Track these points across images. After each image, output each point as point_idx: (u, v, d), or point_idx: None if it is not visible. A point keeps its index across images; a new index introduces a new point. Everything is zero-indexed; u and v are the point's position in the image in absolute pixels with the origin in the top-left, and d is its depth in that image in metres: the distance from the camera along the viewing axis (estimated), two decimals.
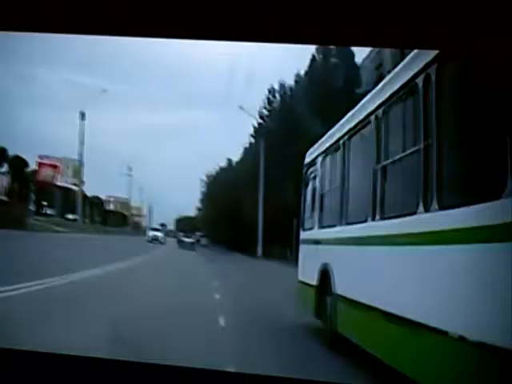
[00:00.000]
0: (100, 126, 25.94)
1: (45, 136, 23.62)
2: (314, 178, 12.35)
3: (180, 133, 28.73)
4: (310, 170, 12.77)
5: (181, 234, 32.44)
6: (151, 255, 25.97)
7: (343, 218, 9.69)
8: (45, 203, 31.18)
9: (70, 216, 31.51)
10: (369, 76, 22.69)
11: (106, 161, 27.03)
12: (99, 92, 22.99)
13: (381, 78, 21.29)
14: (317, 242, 11.29)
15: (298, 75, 25.19)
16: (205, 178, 31.90)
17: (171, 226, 35.76)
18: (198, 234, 31.96)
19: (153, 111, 25.78)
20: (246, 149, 28.02)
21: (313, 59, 24.66)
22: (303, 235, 12.69)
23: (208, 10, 5.28)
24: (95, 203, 34.56)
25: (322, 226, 11.26)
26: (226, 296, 14.23)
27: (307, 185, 12.96)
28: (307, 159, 13.04)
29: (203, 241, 31.60)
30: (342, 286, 9.36)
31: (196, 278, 18.62)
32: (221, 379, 6.37)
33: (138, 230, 36.13)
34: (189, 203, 33.98)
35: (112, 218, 36.15)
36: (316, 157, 12.20)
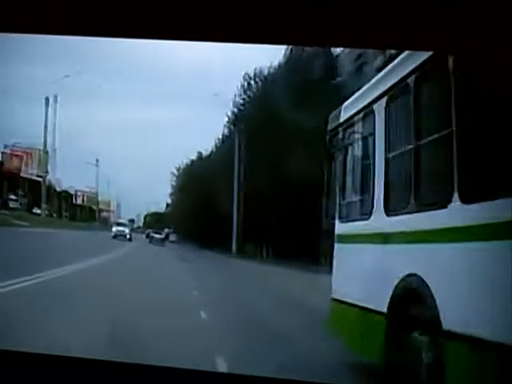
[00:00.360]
0: (68, 118, 24.80)
1: (10, 125, 22.16)
2: (365, 140, 8.53)
3: (149, 128, 26.67)
4: (346, 133, 9.37)
5: (150, 230, 30.76)
6: (119, 253, 24.04)
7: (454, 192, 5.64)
8: (12, 196, 29.16)
9: (37, 210, 29.68)
10: (347, 65, 21.41)
11: (74, 154, 25.39)
12: (63, 78, 21.32)
13: (360, 67, 20.44)
14: (382, 237, 7.34)
15: (274, 64, 23.69)
16: (175, 171, 30.06)
17: (140, 222, 33.73)
18: (166, 230, 30.24)
19: (122, 106, 25.79)
20: (219, 140, 26.60)
21: (289, 47, 23.19)
22: (342, 229, 9.06)
23: (199, 12, 5.23)
24: (64, 197, 32.58)
25: (392, 212, 7.26)
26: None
27: (344, 154, 9.47)
28: (336, 121, 9.69)
29: (172, 237, 29.97)
30: (460, 317, 5.36)
31: (168, 280, 17.03)
32: (215, 380, 6.38)
33: (107, 225, 33.87)
34: (159, 199, 32.39)
35: (80, 213, 34.31)
36: (360, 113, 8.66)
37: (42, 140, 26.13)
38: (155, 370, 6.25)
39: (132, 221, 33.13)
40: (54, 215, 32.61)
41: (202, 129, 24.76)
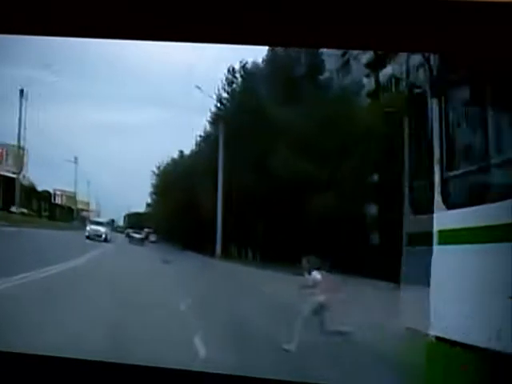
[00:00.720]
0: (47, 117, 22.84)
1: None
2: None
3: (131, 128, 25.04)
4: None
5: (130, 230, 29.05)
6: (95, 254, 23.72)
7: None
8: None
9: (14, 209, 28.02)
10: (332, 62, 20.25)
11: (53, 153, 24.30)
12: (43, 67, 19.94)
13: (347, 63, 19.39)
14: None
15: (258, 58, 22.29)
16: (155, 170, 28.25)
17: (120, 222, 31.96)
18: (146, 230, 28.55)
19: (102, 108, 23.50)
20: (202, 137, 24.91)
21: None
22: (449, 221, 6.16)
23: (191, 13, 5.30)
24: (44, 196, 30.87)
25: None
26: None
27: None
28: None
29: (152, 237, 28.27)
30: None
31: (148, 288, 15.69)
32: (213, 381, 6.41)
33: (85, 225, 31.61)
34: (140, 199, 29.91)
35: (59, 212, 32.59)
36: None
37: (16, 138, 24.42)
38: (152, 370, 6.29)
39: (112, 221, 30.59)
40: (33, 214, 30.41)
41: (185, 128, 23.22)
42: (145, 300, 14.11)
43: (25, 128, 24.01)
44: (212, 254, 22.09)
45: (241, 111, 21.47)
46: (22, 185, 27.98)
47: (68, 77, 21.74)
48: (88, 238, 27.80)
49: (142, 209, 31.69)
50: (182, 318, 13.14)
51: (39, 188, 30.57)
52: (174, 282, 16.84)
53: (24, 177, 27.77)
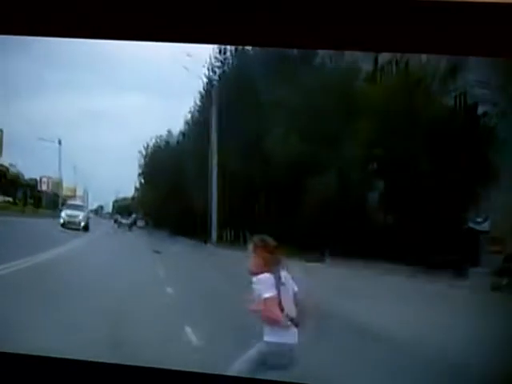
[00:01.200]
0: (30, 105, 21.65)
1: None
2: None
3: (116, 114, 23.33)
4: None
5: (118, 215, 27.20)
6: (78, 242, 21.25)
7: None
8: None
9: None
10: None
11: (35, 139, 22.50)
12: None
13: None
14: None
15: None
16: (143, 151, 25.89)
17: (109, 208, 30.16)
18: (133, 215, 26.71)
19: (86, 95, 21.95)
20: (191, 114, 22.85)
21: None
22: None
23: (191, 13, 5.52)
24: (29, 184, 28.96)
25: None
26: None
27: None
28: None
29: (140, 222, 26.47)
30: None
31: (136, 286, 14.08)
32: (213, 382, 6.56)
33: None
34: (128, 184, 27.96)
35: (44, 200, 30.82)
36: None
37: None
38: (151, 371, 6.24)
39: (101, 207, 28.75)
40: (18, 202, 28.14)
41: (172, 111, 21.91)
42: (137, 293, 12.61)
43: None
44: (206, 239, 20.39)
45: (233, 90, 19.72)
46: (7, 172, 25.92)
47: (49, 65, 20.54)
48: (63, 225, 23.37)
49: (130, 194, 30.63)
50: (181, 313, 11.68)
51: (25, 175, 28.15)
52: (169, 275, 15.10)
53: (12, 165, 25.76)
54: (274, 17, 5.40)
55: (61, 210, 24.65)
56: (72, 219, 23.22)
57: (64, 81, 21.13)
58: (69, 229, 22.94)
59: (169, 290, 14.14)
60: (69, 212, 23.76)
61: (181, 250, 20.75)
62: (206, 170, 20.25)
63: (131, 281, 14.64)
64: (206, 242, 20.38)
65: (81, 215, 23.86)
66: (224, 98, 19.96)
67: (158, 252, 19.50)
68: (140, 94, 22.15)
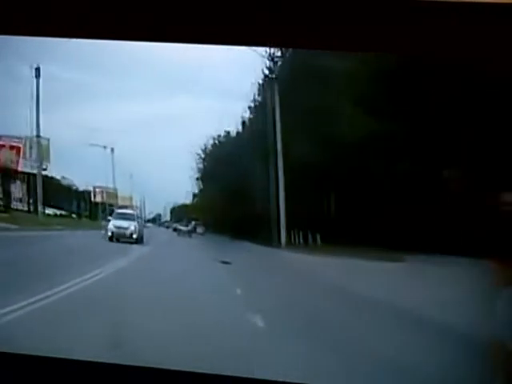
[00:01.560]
0: (81, 114, 20.37)
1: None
2: None
3: (172, 118, 22.37)
4: None
5: (176, 223, 25.60)
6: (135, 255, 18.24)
7: None
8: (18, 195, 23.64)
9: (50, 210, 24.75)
10: None
11: (87, 150, 21.44)
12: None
13: None
14: None
15: None
16: (201, 153, 24.21)
17: (167, 216, 28.38)
18: (193, 222, 25.00)
19: (136, 101, 21.14)
20: (251, 109, 21.10)
21: None
22: None
23: (191, 13, 5.44)
24: (83, 195, 27.44)
25: None
26: None
27: None
28: None
29: (200, 229, 24.83)
30: None
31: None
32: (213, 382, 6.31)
33: None
34: (185, 191, 26.23)
35: (99, 211, 29.32)
36: None
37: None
38: (152, 371, 6.18)
39: (159, 216, 27.04)
40: (73, 215, 26.63)
41: (225, 112, 20.53)
42: (217, 323, 10.66)
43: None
44: (274, 243, 18.39)
45: (296, 71, 17.69)
46: (59, 184, 24.84)
47: (95, 74, 20.19)
48: (111, 239, 19.86)
49: (187, 201, 29.11)
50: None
51: (79, 186, 27.13)
52: (249, 295, 12.90)
53: (64, 178, 24.82)
54: (274, 17, 5.34)
55: (108, 221, 21.58)
56: (122, 231, 20.11)
57: (113, 87, 20.72)
58: (118, 242, 19.82)
59: (256, 319, 11.35)
60: (117, 223, 20.60)
61: (251, 257, 18.48)
62: (269, 168, 18.45)
63: (206, 306, 12.18)
64: (275, 246, 18.38)
65: (132, 226, 20.66)
66: (286, 89, 18.05)
67: (227, 263, 17.29)
68: (191, 96, 21.19)
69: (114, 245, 19.81)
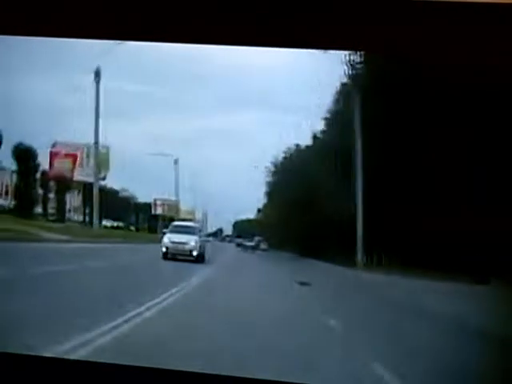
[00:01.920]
0: (143, 127, 19.92)
1: (57, 117, 17.43)
2: None
3: (238, 130, 21.72)
4: None
5: (240, 239, 24.44)
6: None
7: None
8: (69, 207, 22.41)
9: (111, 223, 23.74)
10: None
11: (147, 156, 20.02)
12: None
13: None
14: None
15: None
16: (271, 167, 22.62)
17: (229, 231, 26.87)
18: (256, 238, 23.92)
19: (202, 113, 20.42)
20: (326, 119, 19.42)
21: None
22: None
23: (191, 14, 5.45)
24: (144, 208, 26.26)
25: None
26: None
27: None
28: None
29: (263, 245, 23.83)
30: None
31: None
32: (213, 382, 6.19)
33: None
34: (249, 205, 24.66)
35: (159, 224, 28.10)
36: None
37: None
38: (152, 371, 6.14)
39: (220, 230, 25.87)
40: (132, 228, 26.06)
41: (292, 126, 19.45)
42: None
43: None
44: (348, 263, 16.76)
45: (381, 75, 16.08)
46: (118, 195, 23.99)
47: (155, 83, 19.58)
48: (166, 256, 16.61)
49: (250, 215, 27.46)
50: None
51: (139, 198, 26.21)
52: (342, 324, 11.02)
53: (124, 190, 24.07)
54: (274, 17, 5.29)
55: (163, 233, 18.30)
56: (180, 247, 17.05)
57: (172, 98, 19.90)
58: (173, 259, 16.70)
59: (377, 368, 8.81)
60: (175, 237, 17.39)
61: (328, 278, 16.69)
62: (345, 182, 16.86)
63: (299, 349, 9.96)
64: (349, 266, 16.74)
65: (192, 241, 17.54)
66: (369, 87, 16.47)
67: (306, 284, 15.43)
68: (262, 109, 20.43)
69: (170, 265, 16.80)
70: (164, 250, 16.93)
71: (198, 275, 15.72)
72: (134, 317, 10.52)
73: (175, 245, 17.08)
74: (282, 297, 13.98)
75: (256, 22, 5.41)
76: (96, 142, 18.53)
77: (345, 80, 17.34)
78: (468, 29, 5.01)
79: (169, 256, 16.88)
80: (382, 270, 16.02)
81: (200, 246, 17.69)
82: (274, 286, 15.40)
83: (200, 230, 19.46)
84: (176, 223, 19.05)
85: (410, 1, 5.03)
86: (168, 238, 17.32)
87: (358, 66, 17.01)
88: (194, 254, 17.17)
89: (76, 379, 6.01)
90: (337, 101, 18.38)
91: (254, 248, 23.32)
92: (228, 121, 20.86)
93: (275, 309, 12.11)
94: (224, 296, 13.26)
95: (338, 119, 18.62)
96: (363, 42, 5.65)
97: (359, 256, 16.40)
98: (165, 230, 18.85)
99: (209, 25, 5.47)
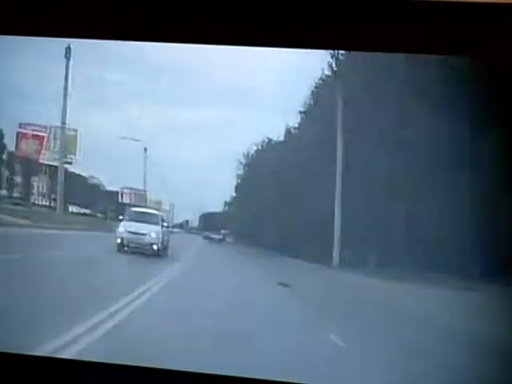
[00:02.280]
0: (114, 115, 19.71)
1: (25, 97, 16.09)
2: None
3: (211, 126, 21.06)
4: None
5: (207, 232, 23.83)
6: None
7: None
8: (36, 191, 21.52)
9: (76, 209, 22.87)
10: None
11: (119, 151, 19.42)
12: None
13: None
14: None
15: None
16: (242, 159, 22.10)
17: (196, 223, 26.11)
18: (223, 231, 23.54)
19: (171, 106, 20.43)
20: (303, 114, 18.81)
21: None
22: None
23: (191, 14, 5.58)
24: (111, 196, 25.56)
25: None
26: None
27: None
28: None
29: (229, 239, 23.64)
30: None
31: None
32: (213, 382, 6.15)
33: None
34: (216, 198, 24.13)
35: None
36: None
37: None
38: (152, 371, 6.12)
39: (187, 222, 25.22)
40: (99, 215, 24.75)
41: (263, 123, 19.45)
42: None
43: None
44: (323, 261, 16.11)
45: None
46: (86, 181, 22.91)
47: (136, 77, 19.15)
48: (121, 248, 14.20)
49: (219, 208, 26.88)
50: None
51: (107, 186, 24.94)
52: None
53: (94, 177, 23.07)
54: (274, 17, 5.42)
55: (120, 221, 15.70)
56: (138, 238, 14.52)
57: (149, 91, 19.20)
58: (130, 252, 14.14)
59: None
60: (133, 227, 14.79)
61: (306, 278, 15.74)
62: (322, 177, 16.44)
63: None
64: (324, 265, 16.10)
65: (153, 232, 15.11)
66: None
67: (285, 285, 14.37)
68: (228, 106, 20.02)
69: (126, 258, 14.26)
70: (119, 241, 14.56)
71: (160, 275, 13.70)
72: None
73: (133, 235, 14.70)
74: (265, 302, 12.84)
75: (256, 22, 5.48)
76: (63, 123, 17.21)
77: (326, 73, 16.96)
78: (468, 29, 5.04)
79: (125, 249, 14.58)
80: (363, 271, 15.42)
81: (163, 238, 15.51)
82: (254, 288, 14.25)
83: (163, 220, 16.94)
84: (134, 209, 16.50)
85: (410, 1, 5.12)
86: (124, 227, 14.90)
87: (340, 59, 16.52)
88: (155, 248, 14.90)
89: (76, 379, 6.13)
90: (314, 95, 18.00)
91: (222, 241, 23.05)
92: (203, 115, 20.44)
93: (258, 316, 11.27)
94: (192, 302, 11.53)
95: (314, 114, 18.16)
96: (363, 42, 5.58)
97: (335, 256, 15.75)
98: (121, 217, 16.32)
99: (209, 25, 5.56)
